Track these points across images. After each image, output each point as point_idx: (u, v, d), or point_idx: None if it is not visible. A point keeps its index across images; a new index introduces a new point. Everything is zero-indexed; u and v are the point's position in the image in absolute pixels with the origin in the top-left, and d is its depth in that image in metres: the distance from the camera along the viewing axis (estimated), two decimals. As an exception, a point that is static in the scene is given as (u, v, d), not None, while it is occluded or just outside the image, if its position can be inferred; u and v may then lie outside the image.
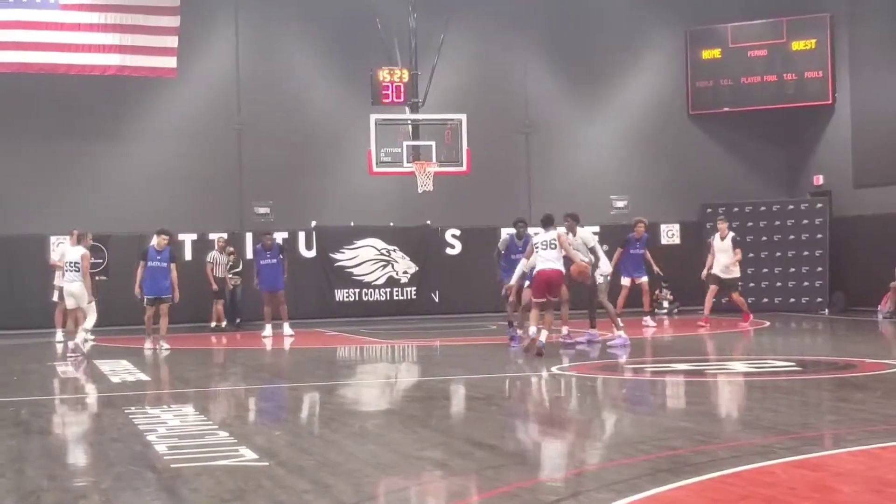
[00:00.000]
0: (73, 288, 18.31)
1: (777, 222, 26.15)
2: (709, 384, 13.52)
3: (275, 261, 21.87)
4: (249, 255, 24.72)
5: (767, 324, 22.40)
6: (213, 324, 24.22)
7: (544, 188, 27.90)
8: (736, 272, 22.03)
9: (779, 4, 27.62)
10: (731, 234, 22.30)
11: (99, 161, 25.91)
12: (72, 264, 18.46)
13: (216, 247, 24.65)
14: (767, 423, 10.03)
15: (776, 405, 11.45)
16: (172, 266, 19.42)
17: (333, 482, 7.63)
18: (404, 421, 10.86)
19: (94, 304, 18.77)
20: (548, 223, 16.93)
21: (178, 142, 26.40)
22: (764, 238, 26.40)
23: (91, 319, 18.43)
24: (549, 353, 16.11)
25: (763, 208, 26.83)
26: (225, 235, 25.20)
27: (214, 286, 24.28)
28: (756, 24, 27.90)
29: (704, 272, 22.12)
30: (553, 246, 16.64)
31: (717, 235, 22.15)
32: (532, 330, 16.62)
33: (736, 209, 26.91)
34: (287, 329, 21.73)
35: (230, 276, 24.55)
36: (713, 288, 21.89)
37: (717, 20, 28.21)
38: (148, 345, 19.10)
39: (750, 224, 26.64)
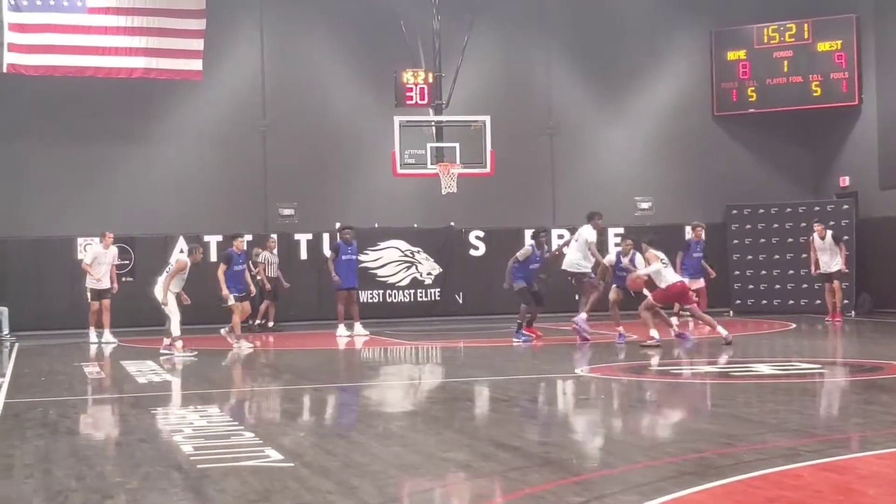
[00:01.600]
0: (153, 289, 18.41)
1: (803, 224, 26.02)
2: (734, 386, 13.48)
3: (354, 257, 22.02)
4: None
5: (793, 326, 22.32)
6: (258, 322, 23.90)
7: (568, 190, 27.89)
8: (839, 265, 23.07)
9: (804, 5, 27.51)
10: (830, 232, 23.40)
11: (125, 163, 26.05)
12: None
13: (266, 247, 24.55)
14: (794, 425, 9.99)
15: (802, 407, 11.41)
16: (247, 266, 20.23)
17: (358, 483, 7.65)
18: (428, 422, 10.87)
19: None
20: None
21: (204, 144, 26.52)
22: (790, 240, 26.29)
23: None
24: (571, 354, 16.10)
25: (789, 210, 26.73)
26: (274, 236, 25.14)
27: (268, 286, 24.09)
28: (781, 25, 27.78)
29: (813, 271, 23.55)
30: None
31: (816, 235, 23.27)
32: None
33: (761, 211, 26.83)
34: (360, 328, 21.86)
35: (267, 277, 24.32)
36: (828, 286, 23.15)
37: (742, 21, 28.13)
38: (236, 343, 19.31)
39: (775, 226, 26.56)
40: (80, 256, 24.30)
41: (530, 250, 19.73)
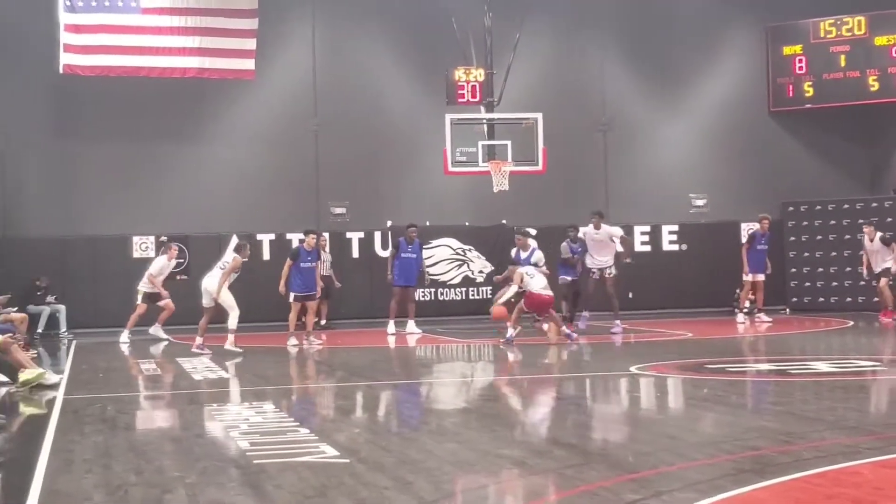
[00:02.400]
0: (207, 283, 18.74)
1: (860, 220, 25.72)
2: (792, 384, 13.36)
3: (415, 255, 22.10)
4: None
5: (851, 323, 22.10)
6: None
7: (622, 187, 27.77)
8: (886, 264, 22.97)
9: (860, -1, 27.25)
10: (879, 234, 23.29)
11: (179, 162, 26.25)
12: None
13: (319, 246, 24.57)
14: (852, 422, 9.89)
15: (861, 405, 11.29)
16: (317, 264, 20.35)
17: (413, 479, 7.66)
18: (482, 419, 10.86)
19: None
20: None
21: (256, 143, 26.66)
22: (846, 237, 25.99)
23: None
24: (626, 352, 16.02)
25: (845, 206, 26.44)
26: (326, 235, 25.22)
27: (321, 284, 24.16)
28: (838, 20, 27.49)
29: (864, 273, 23.64)
30: None
31: (866, 238, 23.32)
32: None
33: (818, 207, 26.58)
34: (413, 326, 21.98)
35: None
36: (883, 281, 23.08)
37: (798, 16, 27.86)
38: (293, 341, 19.62)
39: (832, 223, 26.29)
40: (135, 255, 24.66)
41: (567, 247, 21.43)
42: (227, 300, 18.46)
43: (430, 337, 21.54)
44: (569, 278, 21.45)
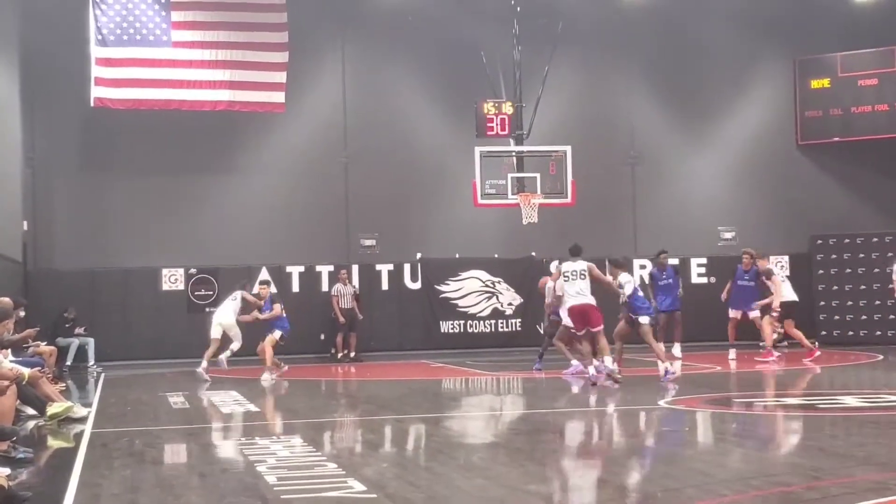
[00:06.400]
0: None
1: (890, 254, 25.57)
2: (821, 419, 13.26)
3: (670, 281, 22.20)
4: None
5: (881, 357, 21.92)
6: (340, 354, 24.45)
7: (650, 219, 27.73)
8: None
9: (888, 32, 27.16)
10: None
11: (208, 195, 26.39)
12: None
13: (339, 279, 24.92)
14: (882, 458, 9.80)
15: (891, 441, 11.18)
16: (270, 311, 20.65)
17: (441, 515, 7.63)
18: (511, 454, 10.82)
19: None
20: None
21: (286, 175, 26.78)
22: (876, 270, 25.84)
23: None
24: (654, 386, 15.94)
25: (875, 240, 26.32)
26: (345, 270, 25.36)
27: (342, 318, 24.48)
28: (866, 53, 27.47)
29: None
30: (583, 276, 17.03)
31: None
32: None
33: (847, 241, 26.45)
34: (677, 350, 21.98)
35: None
36: None
37: (826, 49, 27.83)
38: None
39: (861, 256, 26.16)
40: (164, 287, 24.93)
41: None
42: (236, 330, 20.34)
43: (459, 370, 21.50)
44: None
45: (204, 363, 19.78)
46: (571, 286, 17.09)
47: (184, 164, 26.20)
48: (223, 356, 20.14)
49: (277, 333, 20.01)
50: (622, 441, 12.07)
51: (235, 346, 20.33)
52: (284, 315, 20.26)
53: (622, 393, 16.35)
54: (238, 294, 20.48)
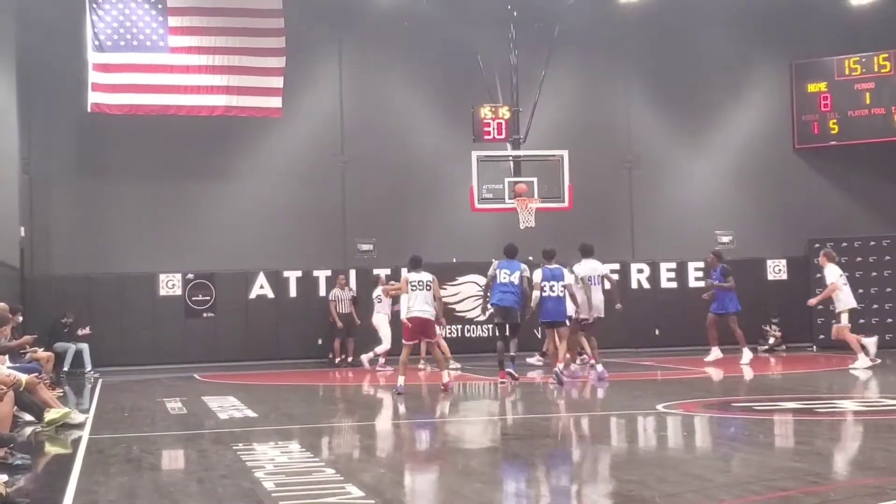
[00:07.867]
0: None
1: (887, 257, 25.62)
2: (819, 423, 13.25)
3: (717, 281, 22.33)
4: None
5: (879, 361, 21.89)
6: (338, 359, 24.54)
7: (648, 223, 27.75)
8: None
9: (885, 36, 27.20)
10: None
11: (206, 200, 26.40)
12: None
13: (337, 284, 24.99)
14: (880, 462, 9.79)
15: (889, 445, 11.16)
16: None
17: (439, 521, 7.62)
18: (508, 458, 10.81)
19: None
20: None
21: (283, 180, 26.79)
22: (874, 273, 25.89)
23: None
24: (652, 390, 15.92)
25: (872, 243, 26.33)
26: (343, 275, 25.40)
27: (339, 323, 24.57)
28: (862, 57, 27.47)
29: None
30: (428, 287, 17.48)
31: None
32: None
33: (844, 244, 26.44)
34: (749, 354, 22.10)
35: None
36: None
37: (823, 53, 27.86)
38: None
39: (859, 259, 26.16)
40: (162, 293, 24.85)
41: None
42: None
43: (456, 374, 21.46)
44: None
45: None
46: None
47: (181, 170, 26.20)
48: (364, 357, 22.73)
49: None
50: (620, 445, 12.05)
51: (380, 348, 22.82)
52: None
53: (619, 397, 16.35)
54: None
